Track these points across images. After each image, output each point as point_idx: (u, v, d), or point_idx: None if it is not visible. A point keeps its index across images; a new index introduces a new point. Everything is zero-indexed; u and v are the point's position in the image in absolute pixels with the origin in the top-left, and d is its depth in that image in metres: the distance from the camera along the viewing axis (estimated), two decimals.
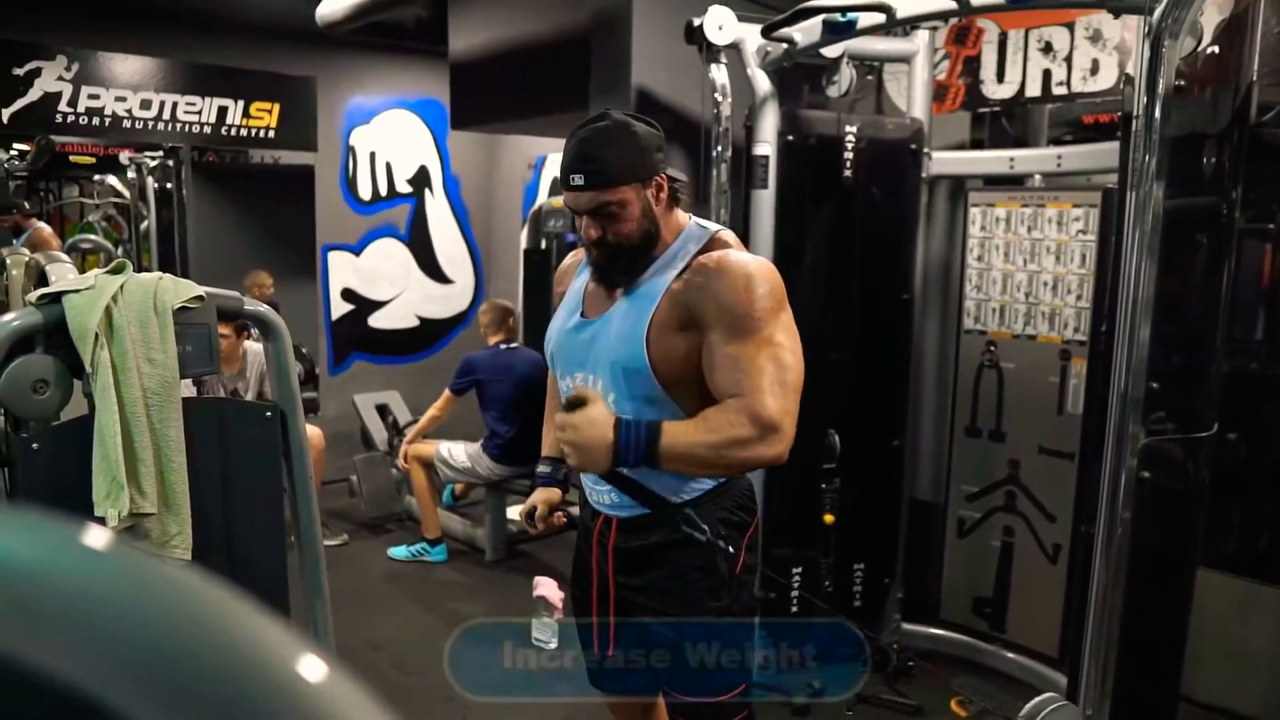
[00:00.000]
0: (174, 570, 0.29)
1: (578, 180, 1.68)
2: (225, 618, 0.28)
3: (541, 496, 2.05)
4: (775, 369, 1.60)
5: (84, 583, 0.27)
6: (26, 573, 0.26)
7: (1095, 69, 3.11)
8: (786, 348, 1.64)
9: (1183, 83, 2.17)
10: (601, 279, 1.81)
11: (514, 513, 4.87)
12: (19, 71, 4.44)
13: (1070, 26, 3.14)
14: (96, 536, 0.30)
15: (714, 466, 1.64)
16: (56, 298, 1.52)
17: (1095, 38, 3.10)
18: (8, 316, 1.51)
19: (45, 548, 0.29)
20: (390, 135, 6.04)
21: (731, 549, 1.79)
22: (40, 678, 0.24)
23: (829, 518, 3.19)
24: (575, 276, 1.94)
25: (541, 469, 2.09)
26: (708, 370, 1.66)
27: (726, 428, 1.58)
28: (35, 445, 1.49)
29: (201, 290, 1.63)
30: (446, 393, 4.61)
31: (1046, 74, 3.22)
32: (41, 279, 2.65)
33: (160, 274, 1.65)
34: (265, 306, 1.75)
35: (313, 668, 0.28)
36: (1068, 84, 3.18)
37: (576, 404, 1.63)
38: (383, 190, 6.04)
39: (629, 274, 1.75)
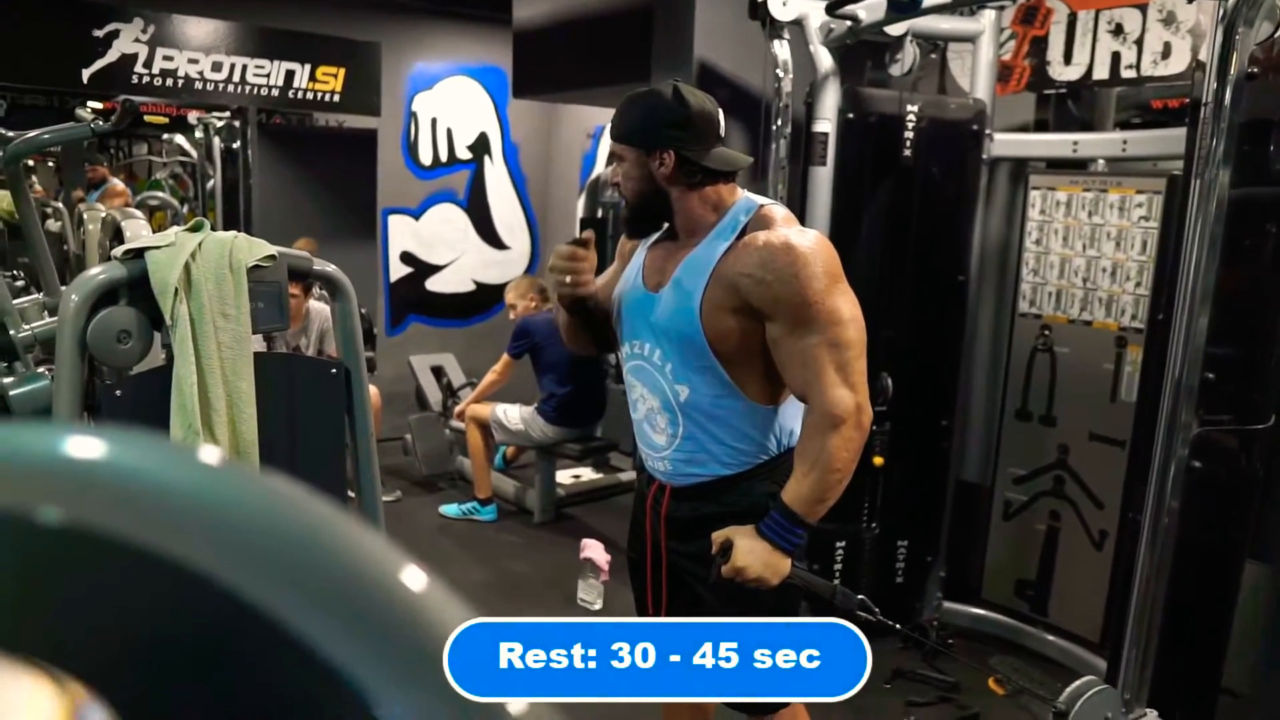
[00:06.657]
0: (294, 485, 0.34)
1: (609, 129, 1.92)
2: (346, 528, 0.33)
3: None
4: (836, 355, 1.69)
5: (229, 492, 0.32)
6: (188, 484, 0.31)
7: (1167, 52, 3.05)
8: (845, 321, 1.70)
9: (1256, 69, 2.14)
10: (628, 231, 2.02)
11: (564, 476, 4.97)
12: (99, 33, 4.56)
13: (1143, 8, 3.08)
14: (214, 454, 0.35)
15: (843, 479, 1.73)
16: (139, 253, 1.60)
17: (1168, 20, 3.04)
18: (94, 270, 1.60)
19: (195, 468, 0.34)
20: (452, 102, 6.10)
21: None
22: (200, 582, 0.29)
23: (878, 460, 3.18)
24: (640, 245, 1.99)
25: None
26: (779, 364, 1.76)
27: (819, 451, 1.70)
28: (118, 392, 1.58)
29: (274, 250, 1.70)
30: (505, 357, 4.69)
31: (1115, 56, 3.17)
32: (117, 234, 2.76)
33: (235, 233, 1.72)
34: (333, 267, 1.81)
35: (415, 574, 0.32)
36: (1137, 67, 3.12)
37: (726, 551, 1.75)
38: (443, 156, 6.11)
39: (632, 225, 1.96)
